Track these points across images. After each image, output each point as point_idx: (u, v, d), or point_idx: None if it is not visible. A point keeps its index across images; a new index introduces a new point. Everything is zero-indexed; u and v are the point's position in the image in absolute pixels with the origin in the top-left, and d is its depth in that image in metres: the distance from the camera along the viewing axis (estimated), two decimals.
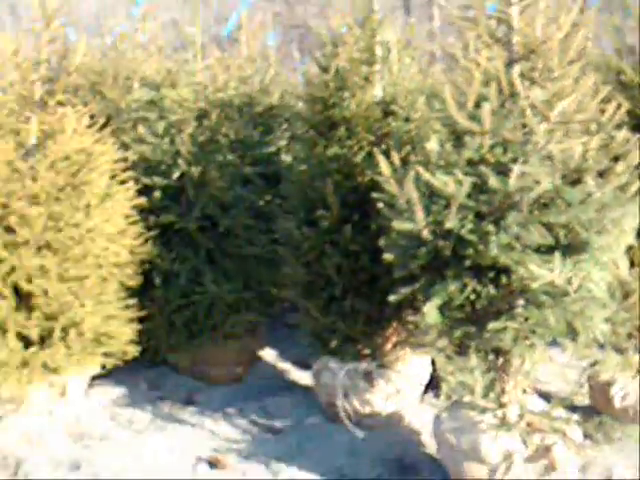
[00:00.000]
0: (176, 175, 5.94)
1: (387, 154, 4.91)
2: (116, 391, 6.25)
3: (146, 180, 5.98)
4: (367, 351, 5.44)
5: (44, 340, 5.26)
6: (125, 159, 5.61)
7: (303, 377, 6.69)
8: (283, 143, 6.85)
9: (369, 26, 5.44)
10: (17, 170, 5.12)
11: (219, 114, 6.11)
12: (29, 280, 5.06)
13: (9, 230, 5.04)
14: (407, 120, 5.31)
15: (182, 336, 6.08)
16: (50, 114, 5.22)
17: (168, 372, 6.57)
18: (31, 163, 5.19)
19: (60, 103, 5.22)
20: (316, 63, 5.47)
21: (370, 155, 5.28)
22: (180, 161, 5.90)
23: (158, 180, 6.01)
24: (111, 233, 5.38)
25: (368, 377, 5.44)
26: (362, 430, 5.40)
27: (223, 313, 6.09)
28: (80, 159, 5.27)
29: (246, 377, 6.63)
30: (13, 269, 5.00)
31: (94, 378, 5.96)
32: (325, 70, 5.43)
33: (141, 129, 6.10)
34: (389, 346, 5.49)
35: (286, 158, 6.73)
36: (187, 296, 6.03)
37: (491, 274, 4.26)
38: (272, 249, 6.14)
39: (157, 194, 6.00)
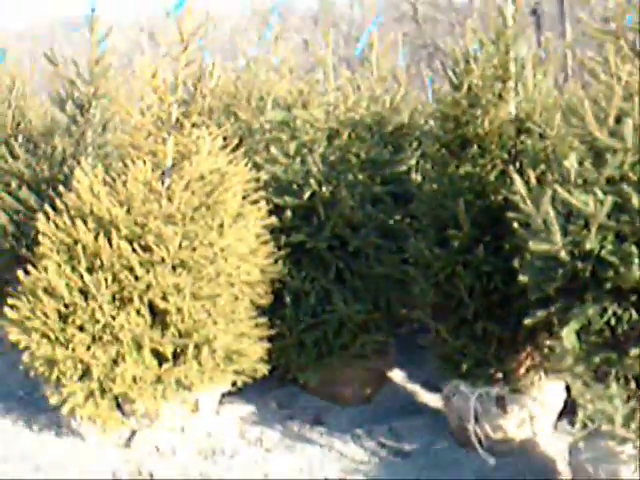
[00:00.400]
0: (307, 195, 5.97)
1: (521, 172, 4.79)
2: (245, 409, 6.31)
3: (277, 200, 6.03)
4: (499, 375, 5.29)
5: (177, 357, 5.36)
6: (257, 179, 5.68)
7: (432, 400, 6.57)
8: (413, 162, 6.79)
9: (503, 42, 5.32)
10: (154, 190, 5.26)
11: (350, 133, 6.11)
12: (164, 298, 5.17)
13: (146, 249, 5.18)
14: (542, 137, 5.15)
15: (312, 355, 6.08)
16: (185, 135, 5.34)
17: (297, 391, 6.58)
18: (167, 183, 5.32)
19: (195, 125, 5.33)
20: (448, 81, 5.40)
21: (503, 174, 5.16)
22: (312, 181, 5.92)
23: (289, 200, 6.05)
24: (243, 252, 5.45)
25: (500, 402, 5.29)
26: (493, 456, 5.25)
27: (352, 333, 6.06)
28: (214, 179, 5.37)
29: (375, 398, 6.57)
30: (149, 287, 5.13)
31: (224, 395, 6.04)
32: (457, 88, 5.35)
33: (273, 149, 6.17)
34: (522, 370, 5.31)
35: (416, 177, 6.66)
36: (317, 315, 6.03)
37: (633, 297, 4.07)
38: (402, 269, 6.07)
39: (288, 214, 6.04)
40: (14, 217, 6.64)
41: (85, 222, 5.24)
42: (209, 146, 5.35)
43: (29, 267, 5.38)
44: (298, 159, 6.24)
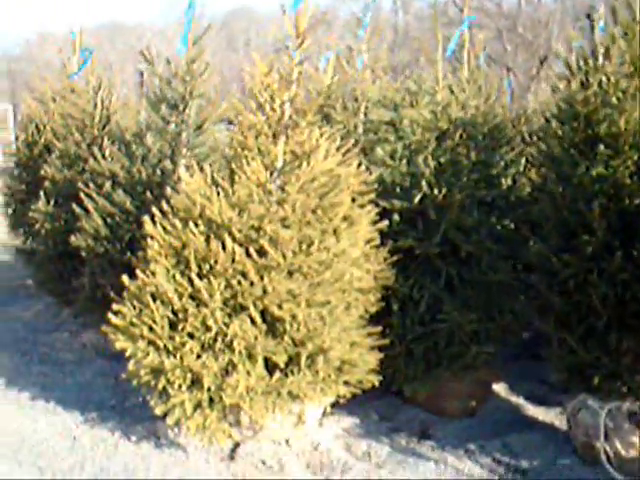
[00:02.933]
0: (417, 198, 5.70)
1: None
2: (348, 421, 6.06)
3: (383, 203, 5.77)
4: (631, 389, 4.98)
5: (287, 366, 5.12)
6: (368, 182, 5.42)
7: (541, 413, 6.28)
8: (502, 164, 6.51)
9: (634, 36, 5.02)
10: (269, 192, 5.03)
11: (461, 134, 5.84)
12: (279, 305, 4.94)
13: (260, 253, 4.95)
14: None
15: (420, 366, 5.81)
16: (299, 135, 5.10)
17: (398, 403, 6.32)
18: (278, 185, 5.09)
19: (311, 124, 5.10)
20: (576, 79, 5.10)
21: (638, 175, 4.86)
22: (423, 183, 5.65)
23: (397, 203, 5.79)
24: (356, 257, 5.20)
25: (633, 418, 4.97)
26: (624, 475, 4.94)
27: (463, 343, 5.78)
28: (328, 181, 5.13)
29: (479, 411, 6.28)
30: (264, 293, 4.89)
31: (327, 407, 5.79)
32: (585, 86, 5.05)
33: (379, 151, 5.92)
34: None
35: (506, 180, 6.36)
36: (426, 324, 5.76)
37: None
38: (515, 276, 5.79)
39: (395, 218, 5.78)
40: (108, 220, 6.45)
41: (196, 225, 5.02)
42: (326, 147, 5.10)
43: (137, 272, 5.17)
44: (405, 161, 5.98)
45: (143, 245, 5.32)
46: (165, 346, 5.05)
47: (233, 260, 4.92)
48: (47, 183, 7.72)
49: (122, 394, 6.52)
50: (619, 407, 4.98)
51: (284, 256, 4.94)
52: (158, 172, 6.38)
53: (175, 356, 5.03)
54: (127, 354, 5.13)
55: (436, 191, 5.70)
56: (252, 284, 4.93)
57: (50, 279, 7.81)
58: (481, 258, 5.78)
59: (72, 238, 6.58)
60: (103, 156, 6.86)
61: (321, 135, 5.23)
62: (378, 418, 6.17)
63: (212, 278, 4.96)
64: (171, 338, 5.04)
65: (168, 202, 5.27)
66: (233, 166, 5.17)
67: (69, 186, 7.51)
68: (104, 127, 7.62)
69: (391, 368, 5.81)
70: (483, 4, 34.16)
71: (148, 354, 5.06)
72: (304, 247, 5.01)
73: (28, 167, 9.44)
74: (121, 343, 5.11)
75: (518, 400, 6.61)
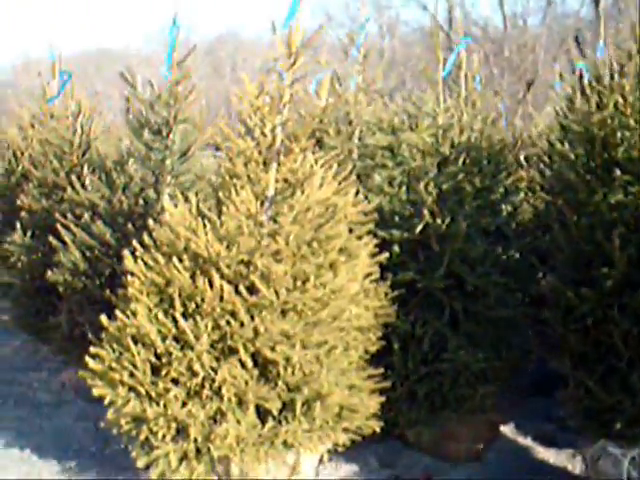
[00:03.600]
0: (419, 228, 5.31)
1: None
2: (346, 468, 5.65)
3: (382, 233, 5.37)
4: None
5: (281, 413, 4.69)
6: (366, 211, 5.02)
7: (552, 455, 5.88)
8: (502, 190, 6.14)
9: None
10: (260, 223, 4.63)
11: (464, 159, 5.46)
12: (272, 347, 4.52)
13: (251, 291, 4.54)
14: None
15: (423, 409, 5.39)
16: (294, 162, 4.71)
17: (399, 447, 5.89)
18: (269, 215, 4.69)
19: (304, 149, 4.71)
20: (588, 100, 4.74)
21: None
22: (425, 212, 5.26)
23: (397, 234, 5.40)
24: (355, 293, 4.79)
25: None
26: None
27: (470, 384, 5.36)
28: (324, 211, 4.73)
29: (485, 454, 5.86)
30: (256, 335, 4.48)
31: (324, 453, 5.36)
32: (600, 107, 4.69)
33: (377, 177, 5.53)
34: None
35: (506, 207, 5.97)
36: (429, 364, 5.35)
37: None
38: (523, 311, 5.40)
39: (395, 249, 5.38)
40: (87, 254, 6.02)
41: (180, 260, 4.60)
42: (321, 174, 4.71)
43: (117, 311, 4.75)
44: (404, 188, 5.60)
45: (123, 282, 4.90)
46: (147, 393, 4.61)
47: (221, 298, 4.50)
48: (24, 213, 7.29)
49: (103, 440, 6.06)
50: None
51: (277, 293, 4.52)
52: (141, 202, 5.95)
53: (158, 404, 4.59)
54: (106, 401, 4.69)
55: (439, 220, 5.31)
56: (242, 324, 4.51)
57: (27, 315, 7.36)
58: (488, 291, 5.38)
59: (49, 273, 6.14)
60: (83, 185, 6.45)
61: (316, 161, 4.84)
62: (378, 465, 5.75)
63: (199, 318, 4.54)
64: (154, 384, 4.60)
65: (150, 235, 4.86)
66: (221, 195, 4.77)
67: (46, 217, 7.09)
68: (84, 154, 7.20)
69: (392, 411, 5.38)
70: (469, 28, 34.12)
71: (129, 401, 4.62)
72: (299, 283, 4.59)
73: (4, 196, 8.99)
74: (100, 389, 4.67)
75: (526, 441, 6.21)
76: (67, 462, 5.70)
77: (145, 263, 4.74)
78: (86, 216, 6.17)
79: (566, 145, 4.98)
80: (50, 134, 7.25)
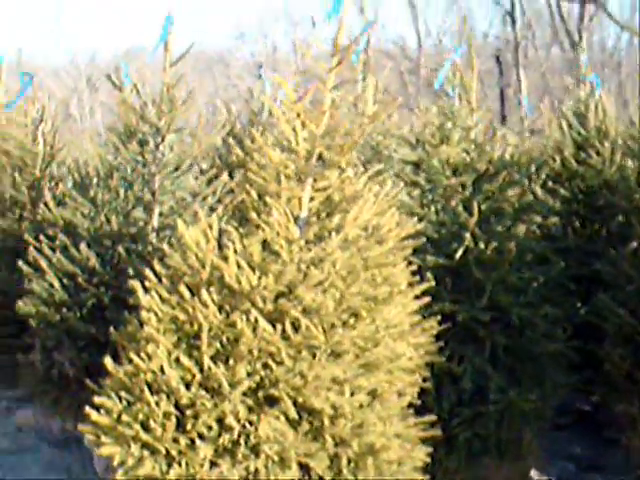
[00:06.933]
0: (459, 253, 4.72)
1: None
2: None
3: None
4: None
5: (325, 472, 4.01)
6: (409, 235, 4.39)
7: None
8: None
9: None
10: (300, 249, 3.95)
11: (504, 176, 4.91)
12: (319, 395, 3.84)
13: (294, 329, 3.85)
14: None
15: (462, 454, 4.79)
16: (336, 177, 4.07)
17: None
18: (315, 240, 4.02)
19: (349, 163, 4.07)
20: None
21: None
22: (467, 235, 4.68)
23: (431, 259, 4.80)
24: (405, 330, 4.16)
25: None
26: None
27: (513, 427, 4.80)
28: (373, 235, 4.10)
29: None
30: (303, 380, 3.79)
31: None
32: None
33: (405, 196, 4.92)
34: None
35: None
36: (470, 405, 4.76)
37: None
38: (572, 345, 4.88)
39: (429, 276, 4.78)
40: (64, 281, 5.21)
41: (209, 292, 3.89)
42: (368, 192, 4.07)
43: (119, 352, 4.01)
44: (434, 208, 5.01)
45: (128, 319, 4.16)
46: (168, 451, 3.86)
47: (261, 338, 3.81)
48: None
49: None
50: None
51: (325, 331, 3.86)
52: (131, 221, 5.18)
53: (181, 464, 3.86)
54: (115, 462, 3.92)
55: (482, 244, 4.73)
56: (285, 368, 3.82)
57: None
58: (534, 324, 4.83)
59: (19, 304, 5.29)
60: (59, 202, 5.63)
61: (357, 176, 4.20)
62: None
63: (232, 362, 3.83)
64: (175, 441, 3.86)
65: (161, 261, 4.13)
66: (253, 216, 4.08)
67: (5, 237, 6.23)
68: (46, 167, 6.37)
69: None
70: (384, 46, 34.15)
71: (143, 461, 3.87)
72: (348, 319, 3.94)
73: None
74: (108, 448, 3.90)
75: None
76: None
77: (160, 296, 4.02)
78: (61, 237, 5.35)
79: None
80: (7, 144, 6.38)
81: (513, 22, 33.56)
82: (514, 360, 4.89)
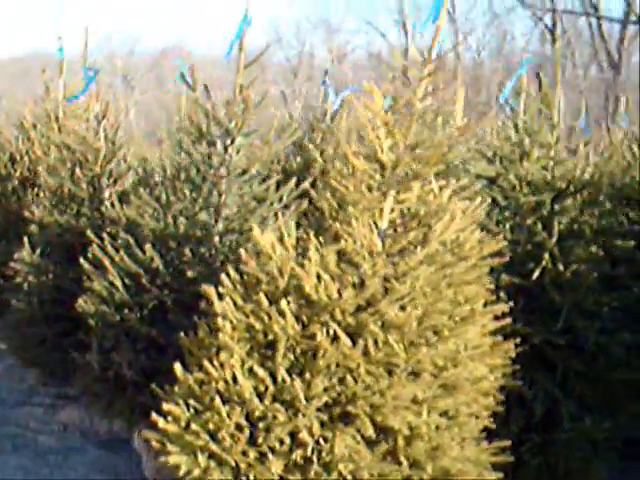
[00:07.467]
0: (536, 273, 4.57)
1: None
2: None
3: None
4: None
5: None
6: (492, 253, 4.23)
7: None
8: None
9: None
10: (384, 262, 3.82)
11: (584, 197, 4.76)
12: (395, 413, 3.70)
13: (375, 345, 3.72)
14: None
15: None
16: (422, 189, 3.93)
17: None
18: (397, 253, 3.89)
19: (436, 175, 3.94)
20: None
21: None
22: (545, 255, 4.53)
23: (505, 279, 4.65)
24: (484, 351, 4.02)
25: None
26: None
27: (584, 457, 4.63)
28: (457, 251, 3.96)
29: None
30: (382, 398, 3.66)
31: None
32: None
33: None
34: None
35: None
36: (541, 432, 4.60)
37: None
38: None
39: (503, 296, 4.63)
40: (126, 281, 5.10)
41: (287, 302, 3.76)
42: (453, 206, 3.94)
43: (204, 362, 3.88)
44: (508, 226, 4.86)
45: (198, 324, 4.05)
46: (236, 464, 3.74)
47: (340, 354, 3.68)
48: (33, 227, 6.30)
49: None
50: None
51: (406, 349, 3.72)
52: (197, 224, 5.07)
53: (249, 478, 3.74)
54: (182, 471, 3.81)
55: (561, 266, 4.58)
56: (364, 385, 3.69)
57: (29, 346, 6.38)
58: (609, 350, 4.66)
59: (79, 302, 5.19)
60: (120, 200, 5.55)
61: (451, 191, 4.05)
62: None
63: (308, 375, 3.70)
64: (244, 454, 3.74)
65: (237, 267, 4.02)
66: (332, 225, 3.95)
67: (62, 232, 6.15)
68: (107, 163, 6.28)
69: None
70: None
71: (211, 473, 3.76)
72: (430, 337, 3.81)
73: None
74: (175, 457, 3.78)
75: None
76: None
77: (235, 303, 3.90)
78: (123, 236, 5.25)
79: None
80: (69, 138, 6.29)
81: (553, 40, 33.32)
82: (585, 386, 4.73)
